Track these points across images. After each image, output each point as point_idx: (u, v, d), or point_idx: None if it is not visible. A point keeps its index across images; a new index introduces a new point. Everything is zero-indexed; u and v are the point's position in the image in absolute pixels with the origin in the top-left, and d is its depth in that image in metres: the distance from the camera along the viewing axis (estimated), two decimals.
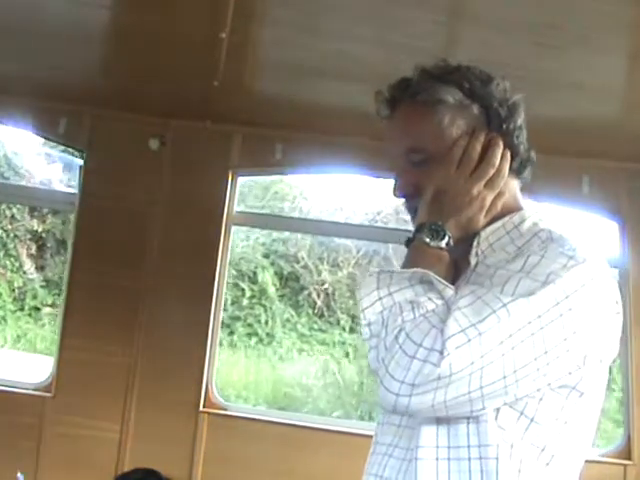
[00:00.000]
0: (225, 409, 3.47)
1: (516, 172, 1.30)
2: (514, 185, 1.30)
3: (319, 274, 7.96)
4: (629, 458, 3.23)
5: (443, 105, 1.25)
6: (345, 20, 2.35)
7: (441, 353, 1.02)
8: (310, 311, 8.11)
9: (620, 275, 3.43)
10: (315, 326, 8.06)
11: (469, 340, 1.03)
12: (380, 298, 1.11)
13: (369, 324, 1.12)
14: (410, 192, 1.28)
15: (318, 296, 7.97)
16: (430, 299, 1.09)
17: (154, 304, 3.40)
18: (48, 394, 3.39)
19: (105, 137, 3.50)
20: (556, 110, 2.86)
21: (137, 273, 3.43)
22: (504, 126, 1.27)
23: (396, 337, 1.06)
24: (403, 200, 1.32)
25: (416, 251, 1.20)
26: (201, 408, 3.39)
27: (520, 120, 1.30)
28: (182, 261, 3.43)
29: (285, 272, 8.07)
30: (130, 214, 3.46)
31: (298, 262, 8.02)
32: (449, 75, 1.29)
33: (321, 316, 8.09)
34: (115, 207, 3.46)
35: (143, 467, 3.30)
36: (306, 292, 8.05)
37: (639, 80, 2.58)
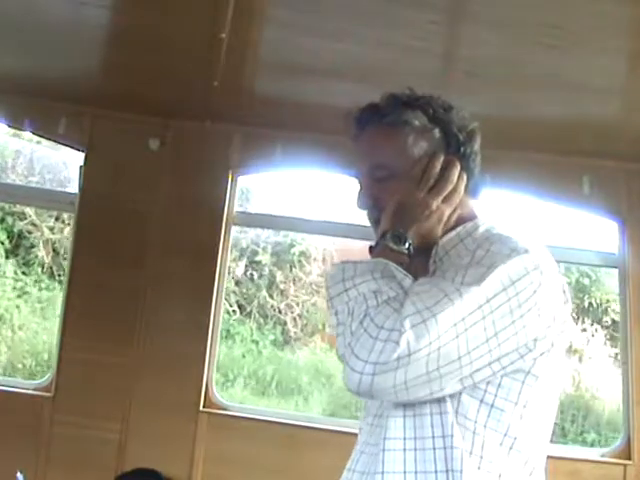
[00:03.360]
0: (225, 409, 3.47)
1: (471, 192, 1.42)
2: (470, 203, 1.42)
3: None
4: (629, 458, 3.23)
5: (409, 126, 1.37)
6: (345, 20, 2.35)
7: (399, 332, 1.13)
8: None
9: (620, 275, 3.43)
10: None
11: (424, 320, 1.14)
12: (346, 290, 1.22)
13: (336, 313, 1.22)
14: (371, 205, 1.40)
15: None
16: (391, 288, 1.20)
17: (154, 304, 3.41)
18: (48, 394, 3.40)
19: (105, 137, 3.50)
20: (556, 110, 2.86)
21: (137, 273, 3.43)
22: (462, 150, 1.39)
23: (361, 322, 1.17)
24: (365, 211, 1.43)
25: (379, 253, 1.30)
26: (201, 408, 3.39)
27: (476, 145, 1.42)
28: (182, 261, 3.43)
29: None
30: (130, 214, 3.46)
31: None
32: (415, 101, 1.41)
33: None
34: (115, 207, 3.46)
35: (143, 467, 3.30)
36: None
37: (639, 80, 2.58)
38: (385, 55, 2.56)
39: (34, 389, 3.47)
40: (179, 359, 3.38)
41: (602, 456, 3.33)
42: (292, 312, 7.42)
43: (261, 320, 7.50)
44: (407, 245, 1.30)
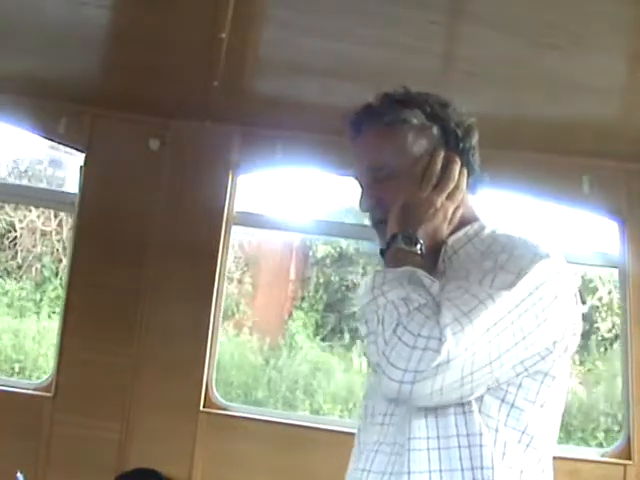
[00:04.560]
0: (225, 409, 3.47)
1: (471, 188, 1.43)
2: (470, 199, 1.43)
3: None
4: (629, 458, 3.23)
5: (407, 125, 1.38)
6: (345, 20, 2.35)
7: (439, 340, 1.13)
8: None
9: (620, 275, 3.44)
10: None
11: (463, 328, 1.14)
12: (375, 297, 1.22)
13: (366, 321, 1.22)
14: (374, 205, 1.41)
15: None
16: (420, 295, 1.20)
17: (154, 304, 3.40)
18: (48, 394, 3.39)
19: (105, 137, 3.50)
20: (556, 110, 2.86)
21: (137, 273, 3.43)
22: (460, 145, 1.40)
23: (394, 330, 1.16)
24: (368, 213, 1.43)
25: (395, 257, 1.30)
26: (201, 408, 3.39)
27: (474, 140, 1.43)
28: (182, 261, 3.42)
29: None
30: (130, 214, 3.46)
31: None
32: (411, 99, 1.41)
33: None
34: (115, 207, 3.46)
35: (143, 467, 3.30)
36: None
37: (639, 80, 2.58)
38: (385, 55, 2.56)
39: (34, 389, 3.47)
40: (179, 359, 3.38)
41: (602, 456, 3.34)
42: None
43: None
44: (419, 245, 1.31)
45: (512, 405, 1.24)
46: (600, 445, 6.18)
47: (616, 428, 6.46)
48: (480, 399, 1.22)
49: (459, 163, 1.38)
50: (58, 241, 7.76)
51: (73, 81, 3.24)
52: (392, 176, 1.38)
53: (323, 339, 7.53)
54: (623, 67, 2.52)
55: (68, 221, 7.59)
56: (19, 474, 2.84)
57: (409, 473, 1.22)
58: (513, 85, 2.70)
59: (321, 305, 7.66)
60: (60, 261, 7.71)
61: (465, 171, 1.39)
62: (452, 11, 2.31)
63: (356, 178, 1.45)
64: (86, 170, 3.51)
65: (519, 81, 2.65)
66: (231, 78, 2.91)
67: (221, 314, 3.58)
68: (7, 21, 2.65)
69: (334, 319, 7.58)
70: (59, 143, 3.80)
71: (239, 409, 3.69)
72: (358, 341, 7.28)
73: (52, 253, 7.79)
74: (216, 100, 3.16)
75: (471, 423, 1.21)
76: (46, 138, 3.81)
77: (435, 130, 1.39)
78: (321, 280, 7.79)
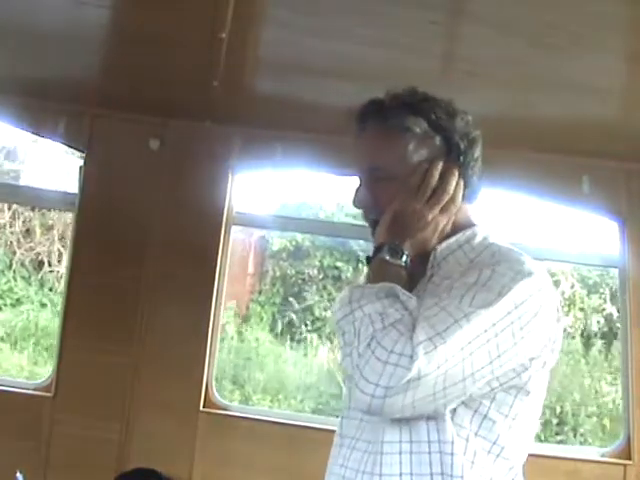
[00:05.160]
0: (225, 409, 3.47)
1: (468, 198, 1.43)
2: (466, 209, 1.43)
3: None
4: (629, 458, 3.23)
5: (410, 133, 1.38)
6: (345, 20, 2.35)
7: (411, 357, 1.15)
8: None
9: (620, 275, 3.44)
10: None
11: (435, 347, 1.16)
12: (352, 311, 1.24)
13: (343, 334, 1.24)
14: (369, 205, 1.42)
15: None
16: (397, 310, 1.22)
17: (154, 304, 3.40)
18: (48, 394, 3.39)
19: (105, 137, 3.50)
20: (556, 110, 2.86)
21: (137, 273, 3.43)
22: (461, 158, 1.39)
23: (368, 344, 1.18)
24: (361, 210, 1.44)
25: (378, 268, 1.33)
26: (201, 408, 3.39)
27: (477, 153, 1.43)
28: (182, 261, 3.43)
29: None
30: (130, 214, 3.45)
31: None
32: (419, 105, 1.40)
33: None
34: (115, 207, 3.46)
35: (143, 467, 3.30)
36: None
37: (639, 80, 2.58)
38: (385, 55, 2.56)
39: (34, 389, 3.47)
40: (179, 359, 3.38)
41: (602, 456, 3.33)
42: None
43: None
44: (404, 258, 1.33)
45: (485, 416, 1.26)
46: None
47: (554, 421, 6.48)
48: (453, 409, 1.25)
49: (457, 175, 1.38)
50: (12, 233, 7.73)
51: (73, 81, 3.24)
52: (390, 179, 1.39)
53: (280, 332, 7.57)
54: (623, 67, 2.52)
55: (23, 214, 7.57)
56: (19, 474, 2.84)
57: (380, 475, 1.26)
58: (513, 85, 2.70)
59: (278, 298, 7.68)
60: (14, 253, 7.67)
61: (462, 183, 1.39)
62: (452, 11, 2.30)
63: (356, 174, 1.45)
64: (86, 170, 3.51)
65: (519, 81, 2.65)
66: (231, 78, 2.91)
67: (221, 314, 3.58)
68: (7, 21, 2.65)
69: (290, 312, 7.60)
70: (59, 143, 3.80)
71: (239, 409, 3.70)
72: (313, 334, 7.32)
73: (6, 245, 7.76)
74: (216, 100, 3.16)
75: (443, 431, 1.24)
76: (46, 138, 3.81)
77: (437, 140, 1.38)
78: (277, 274, 7.82)
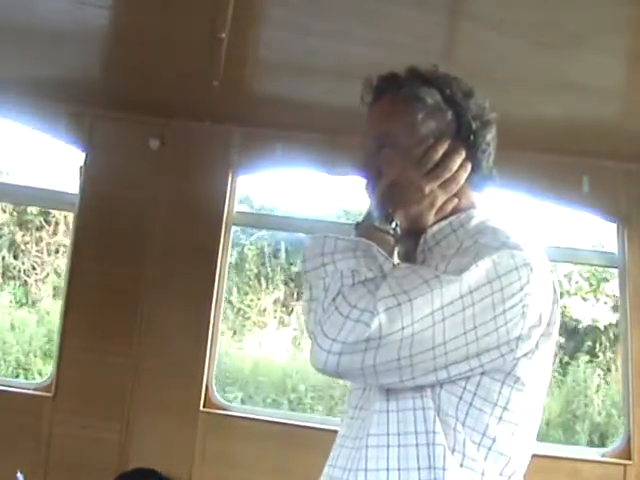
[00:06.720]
0: (225, 409, 3.47)
1: (475, 185, 1.37)
2: (471, 195, 1.37)
3: None
4: (629, 458, 3.23)
5: (421, 103, 1.33)
6: (345, 20, 2.35)
7: (372, 313, 1.09)
8: None
9: (620, 275, 3.44)
10: None
11: (399, 304, 1.10)
12: (324, 264, 1.17)
13: (310, 287, 1.18)
14: (372, 174, 1.35)
15: None
16: (370, 270, 1.16)
17: (154, 304, 3.41)
18: (48, 394, 3.39)
19: (105, 137, 3.50)
20: (556, 110, 2.86)
21: (137, 273, 3.43)
22: (472, 138, 1.34)
23: (334, 299, 1.13)
24: (365, 180, 1.38)
25: (364, 231, 1.27)
26: (201, 408, 3.39)
27: (490, 137, 1.38)
28: (182, 261, 3.43)
29: None
30: (130, 214, 3.46)
31: None
32: (435, 78, 1.36)
33: None
34: (115, 207, 3.46)
35: (143, 467, 3.30)
36: None
37: (639, 80, 2.58)
38: (385, 55, 2.56)
39: (34, 389, 3.47)
40: (179, 359, 3.38)
41: (602, 456, 3.33)
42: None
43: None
44: (394, 225, 1.27)
45: (470, 404, 1.18)
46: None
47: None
48: (438, 395, 1.18)
49: (462, 155, 1.32)
50: None
51: (73, 81, 3.24)
52: (395, 147, 1.33)
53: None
54: (623, 67, 2.52)
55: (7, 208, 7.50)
56: (19, 474, 2.84)
57: (365, 470, 1.20)
58: (513, 85, 2.70)
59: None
60: None
61: (469, 165, 1.33)
62: (452, 11, 2.31)
63: (364, 143, 1.40)
64: (86, 170, 3.51)
65: (519, 81, 2.65)
66: (231, 78, 2.91)
67: (221, 314, 3.58)
68: (7, 21, 2.65)
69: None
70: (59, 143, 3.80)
71: (239, 409, 3.69)
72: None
73: None
74: (216, 100, 3.16)
75: (430, 421, 1.17)
76: (46, 138, 3.81)
77: (449, 115, 1.34)
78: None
